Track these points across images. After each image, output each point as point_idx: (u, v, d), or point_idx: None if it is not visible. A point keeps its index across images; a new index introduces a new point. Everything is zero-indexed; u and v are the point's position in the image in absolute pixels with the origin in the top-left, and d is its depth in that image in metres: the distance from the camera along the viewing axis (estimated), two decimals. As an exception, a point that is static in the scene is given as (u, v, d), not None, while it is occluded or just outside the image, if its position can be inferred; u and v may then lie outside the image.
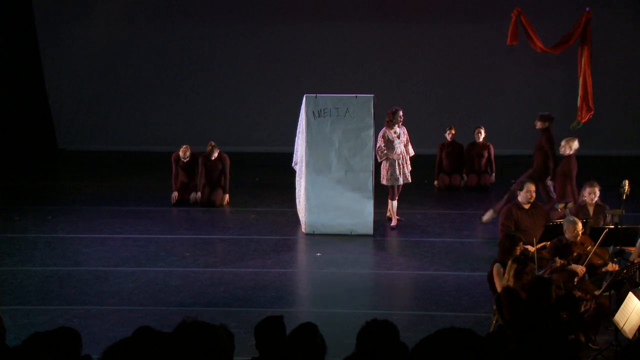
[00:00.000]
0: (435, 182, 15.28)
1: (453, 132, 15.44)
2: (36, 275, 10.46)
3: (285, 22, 18.35)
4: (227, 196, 13.95)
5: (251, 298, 9.73)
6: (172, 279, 10.34)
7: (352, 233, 12.14)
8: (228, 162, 13.90)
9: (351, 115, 12.08)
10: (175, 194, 13.87)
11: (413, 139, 12.92)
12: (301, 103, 12.20)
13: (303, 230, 12.32)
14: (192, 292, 9.92)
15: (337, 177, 12.13)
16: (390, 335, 4.45)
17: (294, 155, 12.66)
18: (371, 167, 12.13)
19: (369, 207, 12.13)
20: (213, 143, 13.92)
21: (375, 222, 12.32)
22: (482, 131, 15.26)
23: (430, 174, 15.39)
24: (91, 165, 17.45)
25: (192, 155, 13.96)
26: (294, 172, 12.76)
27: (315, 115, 12.09)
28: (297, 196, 12.73)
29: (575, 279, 8.54)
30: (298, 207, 12.69)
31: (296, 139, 12.57)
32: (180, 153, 13.84)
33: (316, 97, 12.16)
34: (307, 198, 12.18)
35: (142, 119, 18.64)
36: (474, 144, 15.25)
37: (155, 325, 4.83)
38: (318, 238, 12.07)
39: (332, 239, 12.00)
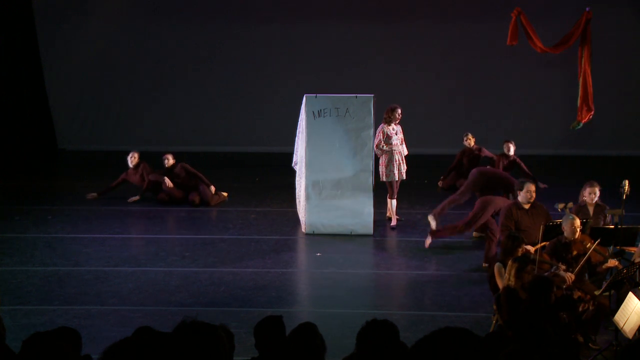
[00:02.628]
0: (440, 182, 15.18)
1: (471, 139, 15.05)
2: (36, 275, 10.46)
3: (284, 22, 18.35)
4: (223, 194, 14.02)
5: (251, 298, 9.73)
6: (172, 279, 10.35)
7: (352, 233, 12.14)
8: (186, 164, 14.05)
9: (351, 115, 12.09)
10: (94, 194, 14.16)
11: (412, 139, 12.93)
12: (301, 103, 12.21)
13: (303, 230, 12.32)
14: (192, 292, 9.92)
15: (337, 177, 12.12)
16: (390, 335, 4.45)
17: (294, 155, 12.66)
18: (371, 167, 12.13)
19: (369, 207, 12.13)
20: (167, 156, 14.08)
21: (375, 222, 12.32)
22: (511, 146, 14.27)
23: (430, 174, 15.36)
24: (91, 165, 17.45)
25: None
26: (294, 172, 12.76)
27: (315, 115, 12.09)
28: (297, 196, 12.73)
29: (564, 286, 8.52)
30: (298, 207, 12.69)
31: (296, 139, 12.58)
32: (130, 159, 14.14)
33: (316, 97, 12.16)
34: (307, 198, 12.18)
35: (142, 119, 18.64)
36: (503, 155, 14.80)
37: (155, 325, 4.83)
38: (318, 238, 12.07)
39: (332, 239, 12.00)
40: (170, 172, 13.91)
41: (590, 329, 8.40)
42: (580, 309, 8.35)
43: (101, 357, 4.16)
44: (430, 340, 3.40)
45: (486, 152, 15.15)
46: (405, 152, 12.59)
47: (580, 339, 8.10)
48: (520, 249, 8.64)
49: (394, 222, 12.60)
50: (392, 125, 12.35)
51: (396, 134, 12.38)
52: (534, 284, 7.48)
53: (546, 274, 8.60)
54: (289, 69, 18.33)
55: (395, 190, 12.55)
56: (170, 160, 14.00)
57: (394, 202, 12.62)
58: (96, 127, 18.73)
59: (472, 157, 15.13)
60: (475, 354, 3.34)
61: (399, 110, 12.36)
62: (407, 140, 12.64)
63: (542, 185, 13.82)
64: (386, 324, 4.48)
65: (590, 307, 8.31)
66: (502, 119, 18.24)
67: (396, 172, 12.39)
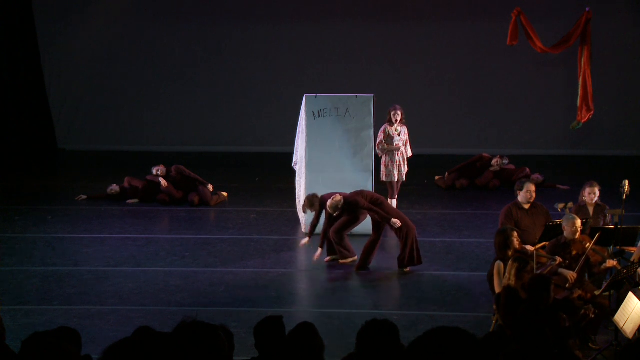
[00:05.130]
0: (437, 177, 15.12)
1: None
2: (36, 275, 10.46)
3: (284, 22, 18.35)
4: (223, 194, 14.04)
5: (251, 298, 9.73)
6: (172, 279, 10.34)
7: (352, 233, 12.11)
8: (181, 167, 14.07)
9: (351, 115, 12.08)
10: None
11: (412, 139, 12.91)
12: (301, 103, 12.21)
13: (303, 230, 12.31)
14: (192, 292, 9.92)
15: (337, 177, 12.11)
16: (390, 335, 4.45)
17: (294, 155, 12.66)
18: (371, 167, 12.13)
19: (369, 207, 12.10)
20: (159, 168, 14.07)
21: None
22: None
23: (430, 174, 15.35)
24: (91, 165, 17.44)
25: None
26: (294, 172, 12.75)
27: (315, 115, 12.09)
28: (297, 196, 12.72)
29: (567, 285, 8.52)
30: (298, 207, 12.68)
31: (296, 139, 12.57)
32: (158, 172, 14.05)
33: (316, 97, 12.16)
34: (307, 198, 12.16)
35: (142, 119, 18.63)
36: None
37: (155, 325, 4.83)
38: (318, 238, 12.04)
39: (332, 239, 11.97)
40: (166, 179, 13.94)
41: (590, 329, 8.39)
42: (581, 313, 8.33)
43: (101, 357, 4.15)
44: (424, 340, 3.39)
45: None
46: (409, 154, 12.58)
47: (579, 354, 8.07)
48: (513, 238, 8.64)
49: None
50: (395, 125, 12.34)
51: (399, 135, 12.37)
52: (532, 282, 7.49)
53: (540, 269, 8.60)
54: (289, 69, 18.32)
55: (396, 191, 12.55)
56: (161, 171, 14.00)
57: (394, 202, 12.62)
58: (96, 127, 18.72)
59: (483, 165, 15.07)
60: (470, 354, 3.33)
61: (398, 111, 12.36)
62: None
63: (563, 187, 14.62)
64: (386, 324, 4.48)
65: (591, 315, 8.29)
66: (501, 119, 18.23)
67: (396, 172, 12.39)
